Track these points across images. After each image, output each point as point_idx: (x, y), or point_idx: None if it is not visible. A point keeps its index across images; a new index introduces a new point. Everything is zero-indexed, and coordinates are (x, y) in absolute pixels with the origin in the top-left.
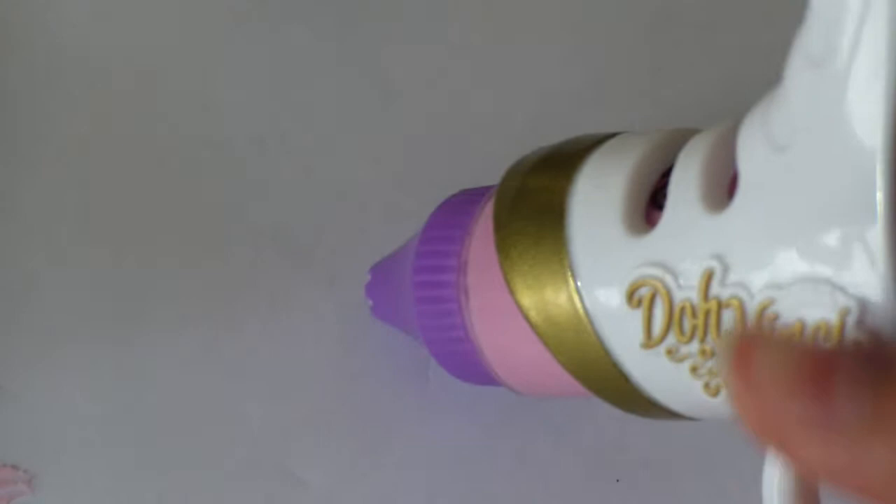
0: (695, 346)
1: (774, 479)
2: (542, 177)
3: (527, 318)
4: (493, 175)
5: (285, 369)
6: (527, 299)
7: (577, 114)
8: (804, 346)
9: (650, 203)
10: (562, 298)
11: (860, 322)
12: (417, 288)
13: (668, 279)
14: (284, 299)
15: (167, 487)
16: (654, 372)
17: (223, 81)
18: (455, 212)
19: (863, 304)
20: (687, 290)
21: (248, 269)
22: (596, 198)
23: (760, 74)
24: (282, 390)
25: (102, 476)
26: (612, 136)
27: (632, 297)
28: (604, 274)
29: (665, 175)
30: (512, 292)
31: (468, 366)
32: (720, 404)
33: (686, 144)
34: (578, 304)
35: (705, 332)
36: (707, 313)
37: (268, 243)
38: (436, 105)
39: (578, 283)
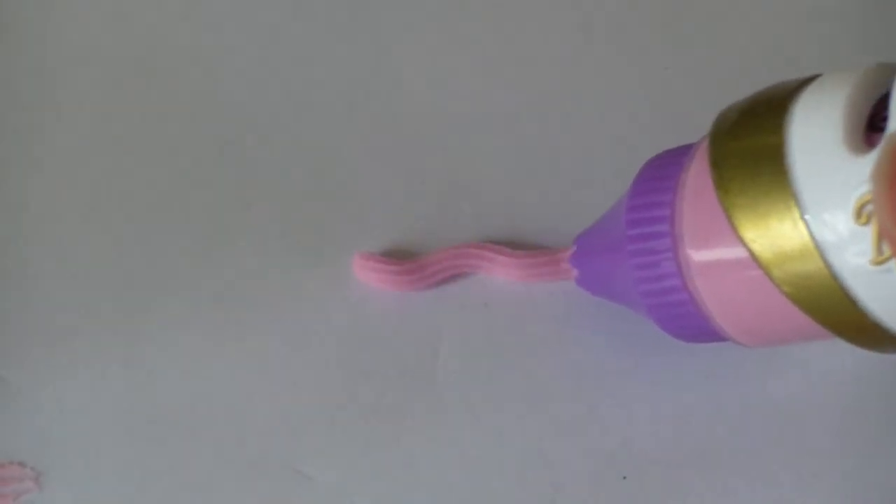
0: None
1: None
2: (755, 117)
3: (751, 251)
4: (501, 173)
5: (292, 366)
6: (750, 232)
7: (583, 112)
8: None
9: (867, 129)
10: (786, 226)
11: None
12: (631, 241)
13: None
14: (292, 297)
15: (174, 484)
16: (884, 290)
17: (229, 78)
18: (662, 165)
19: None
20: None
21: (254, 267)
22: (814, 126)
23: (768, 73)
24: (289, 387)
25: (110, 473)
26: (813, 78)
27: (860, 213)
28: (828, 196)
29: (879, 102)
30: (734, 227)
31: (685, 317)
32: None
33: None
34: (804, 230)
35: None
36: None
37: (275, 241)
38: (443, 103)
39: (802, 209)
